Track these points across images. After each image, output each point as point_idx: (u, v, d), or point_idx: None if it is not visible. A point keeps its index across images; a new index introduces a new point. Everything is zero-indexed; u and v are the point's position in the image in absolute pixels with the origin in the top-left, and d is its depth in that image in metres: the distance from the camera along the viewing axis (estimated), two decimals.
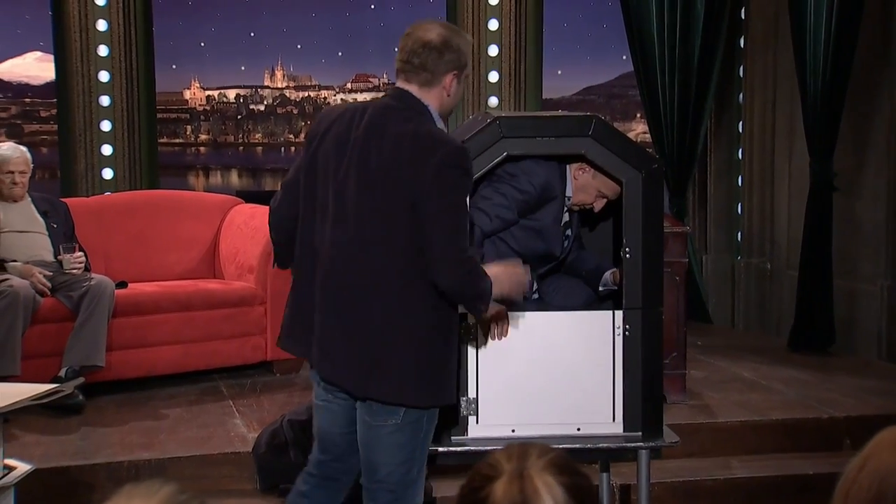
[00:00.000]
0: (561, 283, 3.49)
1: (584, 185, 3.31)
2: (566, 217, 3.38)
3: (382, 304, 2.64)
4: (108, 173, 6.44)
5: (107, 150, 6.44)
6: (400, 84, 2.75)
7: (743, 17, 6.78)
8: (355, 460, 2.82)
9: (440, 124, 2.74)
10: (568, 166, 3.33)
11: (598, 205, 3.34)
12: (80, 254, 4.90)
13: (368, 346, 2.66)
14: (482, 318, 3.05)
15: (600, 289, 3.44)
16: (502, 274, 2.72)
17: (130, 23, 6.39)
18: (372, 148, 2.66)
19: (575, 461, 1.47)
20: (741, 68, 6.85)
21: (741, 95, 6.88)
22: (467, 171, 2.65)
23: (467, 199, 2.68)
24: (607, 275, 3.41)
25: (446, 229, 2.58)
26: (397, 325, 2.64)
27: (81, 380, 4.55)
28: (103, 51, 6.37)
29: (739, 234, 6.93)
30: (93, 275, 4.88)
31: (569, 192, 3.32)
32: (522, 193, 3.23)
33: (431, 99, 2.73)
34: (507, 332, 3.13)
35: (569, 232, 3.41)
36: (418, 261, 2.60)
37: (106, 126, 6.43)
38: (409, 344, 2.64)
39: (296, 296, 2.79)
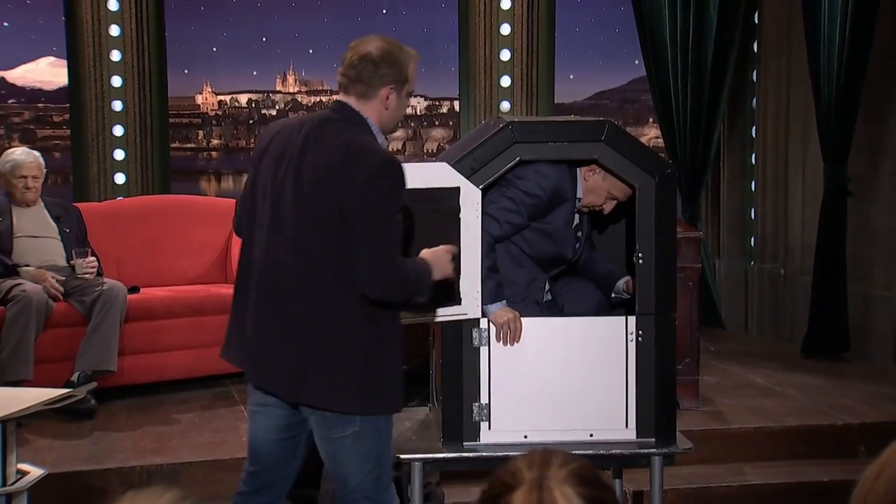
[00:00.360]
0: (573, 285, 3.49)
1: (594, 187, 3.30)
2: (577, 219, 3.38)
3: (314, 313, 2.68)
4: (120, 178, 6.47)
5: (119, 154, 6.47)
6: (340, 96, 2.83)
7: (756, 21, 6.77)
8: (290, 468, 2.86)
9: (380, 138, 2.80)
10: (578, 169, 3.33)
11: (608, 206, 3.34)
12: (93, 258, 4.92)
13: (298, 352, 2.70)
14: (494, 320, 3.09)
15: (612, 295, 3.44)
16: (432, 257, 2.76)
17: (143, 28, 6.43)
18: (307, 159, 2.72)
19: (599, 472, 1.44)
20: (754, 73, 6.84)
21: (754, 100, 6.86)
22: (396, 182, 2.67)
23: (396, 211, 2.68)
24: (620, 283, 3.40)
25: (372, 241, 2.63)
26: (329, 333, 2.68)
27: (94, 384, 4.57)
28: (116, 56, 6.41)
29: (753, 239, 6.91)
30: (105, 279, 4.90)
31: (579, 194, 3.32)
32: (532, 197, 3.23)
33: (370, 111, 2.79)
34: (518, 337, 3.12)
35: (580, 234, 3.41)
36: (350, 270, 2.65)
37: (118, 131, 6.46)
38: (341, 351, 2.68)
39: (234, 306, 2.86)
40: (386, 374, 2.73)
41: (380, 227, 2.64)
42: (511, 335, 3.12)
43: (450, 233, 2.98)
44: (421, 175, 2.91)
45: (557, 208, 3.28)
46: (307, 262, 2.69)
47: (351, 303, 2.66)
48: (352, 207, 2.63)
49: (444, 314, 3.03)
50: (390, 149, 7.26)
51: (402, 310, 2.78)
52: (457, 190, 2.99)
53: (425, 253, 2.77)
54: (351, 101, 2.79)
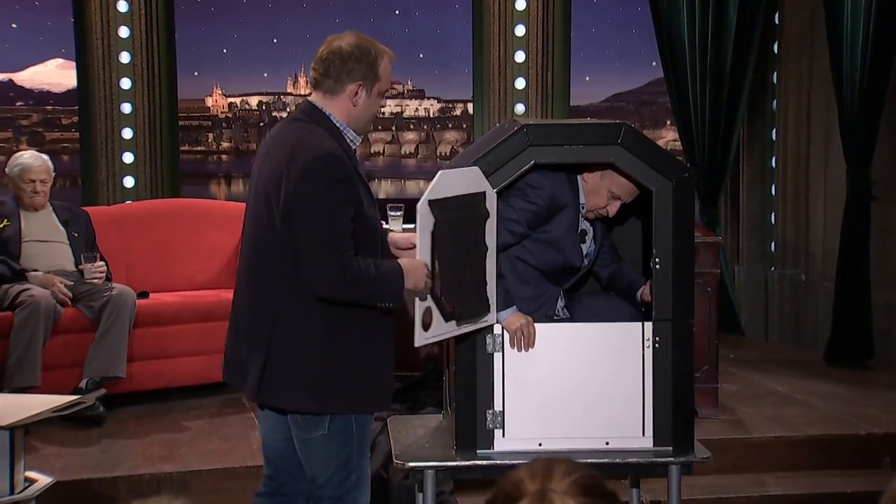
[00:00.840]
0: (595, 303, 3.45)
1: (593, 188, 3.29)
2: (584, 226, 3.36)
3: (274, 312, 2.75)
4: (129, 181, 6.51)
5: (128, 157, 6.50)
6: (311, 94, 2.87)
7: (777, 21, 6.76)
8: (301, 468, 2.91)
9: (349, 134, 2.81)
10: (578, 175, 3.31)
11: (613, 208, 3.29)
12: (101, 263, 4.95)
13: (259, 352, 2.77)
14: (507, 326, 3.10)
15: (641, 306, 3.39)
16: (408, 266, 2.77)
17: (152, 29, 6.47)
18: (266, 161, 2.81)
19: (603, 480, 1.44)
20: (775, 74, 6.82)
21: (775, 102, 6.85)
22: (333, 177, 2.67)
23: (338, 206, 2.68)
24: (640, 293, 3.36)
25: (311, 237, 2.66)
26: (287, 333, 2.74)
27: (102, 391, 4.60)
28: (125, 58, 6.45)
29: (773, 244, 6.89)
30: (114, 284, 4.93)
31: (582, 200, 3.31)
32: (530, 204, 3.24)
33: (335, 108, 2.81)
34: (532, 342, 3.13)
35: (590, 241, 3.39)
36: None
37: (127, 134, 6.50)
38: (297, 351, 2.74)
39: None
40: (349, 373, 2.76)
41: (320, 223, 2.66)
42: (525, 341, 3.13)
43: (479, 238, 3.00)
44: (459, 181, 2.93)
45: (557, 216, 3.28)
46: (266, 262, 2.76)
47: (309, 302, 2.71)
48: (289, 204, 2.68)
49: (473, 326, 3.03)
50: (402, 151, 7.31)
51: (377, 309, 2.77)
52: (483, 195, 3.01)
53: (403, 261, 2.78)
54: (318, 97, 2.83)
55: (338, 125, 2.81)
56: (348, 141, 2.83)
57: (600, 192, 3.28)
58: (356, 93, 2.80)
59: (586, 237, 3.38)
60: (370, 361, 2.81)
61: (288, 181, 2.68)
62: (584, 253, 3.38)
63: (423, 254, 2.80)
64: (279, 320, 2.75)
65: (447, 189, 2.87)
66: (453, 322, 2.93)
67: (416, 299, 2.80)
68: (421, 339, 2.84)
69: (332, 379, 2.76)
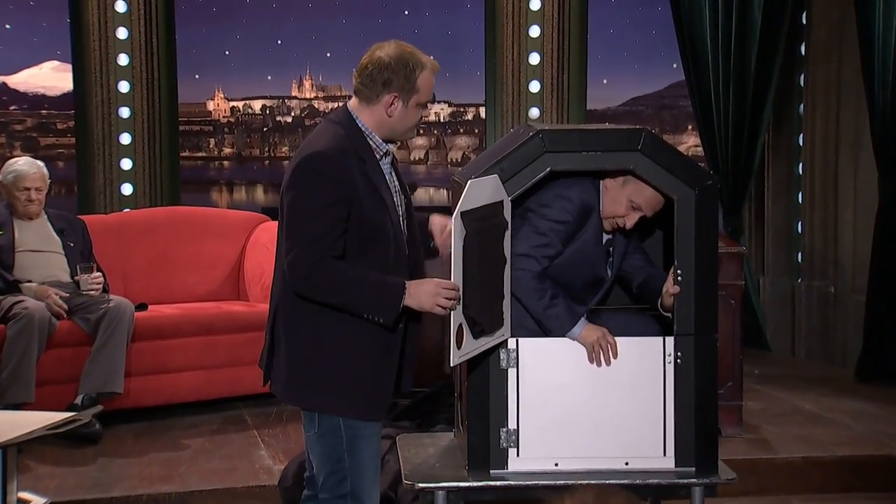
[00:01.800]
0: (618, 319, 3.38)
1: (614, 196, 3.24)
2: (607, 236, 3.34)
3: (276, 307, 2.93)
4: (127, 189, 6.53)
5: (126, 164, 6.53)
6: (351, 100, 2.97)
7: (804, 21, 6.76)
8: None
9: (375, 139, 2.88)
10: (600, 181, 3.29)
11: (630, 220, 3.25)
12: (98, 274, 4.97)
13: (269, 343, 2.95)
14: (584, 342, 3.12)
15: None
16: (416, 286, 2.81)
17: (152, 30, 6.50)
18: (292, 159, 2.95)
19: None
20: (802, 77, 6.82)
21: (801, 106, 6.85)
22: (324, 175, 2.77)
23: (325, 205, 2.77)
24: (664, 289, 3.29)
25: (290, 233, 2.79)
26: (288, 328, 2.88)
27: (99, 408, 4.59)
28: (123, 60, 6.48)
29: (800, 254, 6.88)
30: (111, 296, 4.94)
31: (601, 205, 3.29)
32: (561, 224, 3.21)
33: (366, 115, 2.91)
34: (616, 353, 3.12)
35: (611, 250, 3.37)
36: None
37: (126, 139, 6.52)
38: (294, 346, 2.87)
39: None
40: (334, 375, 2.85)
41: (301, 220, 2.77)
42: (605, 354, 3.12)
43: (499, 249, 3.00)
44: (484, 190, 2.94)
45: (586, 224, 3.26)
46: (279, 259, 2.89)
47: (300, 303, 2.83)
48: (282, 199, 2.83)
49: (491, 341, 3.03)
50: (411, 157, 7.32)
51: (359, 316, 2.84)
52: (502, 204, 3.02)
53: (413, 282, 2.82)
54: (354, 103, 2.93)
55: (362, 129, 2.90)
56: (373, 146, 2.89)
57: (620, 200, 3.23)
58: (391, 104, 2.88)
59: (611, 247, 3.36)
60: (359, 368, 2.87)
61: (286, 177, 2.85)
62: (610, 263, 3.34)
63: (455, 268, 2.81)
64: (279, 315, 2.91)
65: (476, 199, 2.89)
66: (478, 338, 2.94)
67: (452, 316, 2.82)
68: (455, 357, 2.86)
69: (317, 378, 2.87)
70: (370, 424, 2.93)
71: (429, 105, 3.00)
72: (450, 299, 2.80)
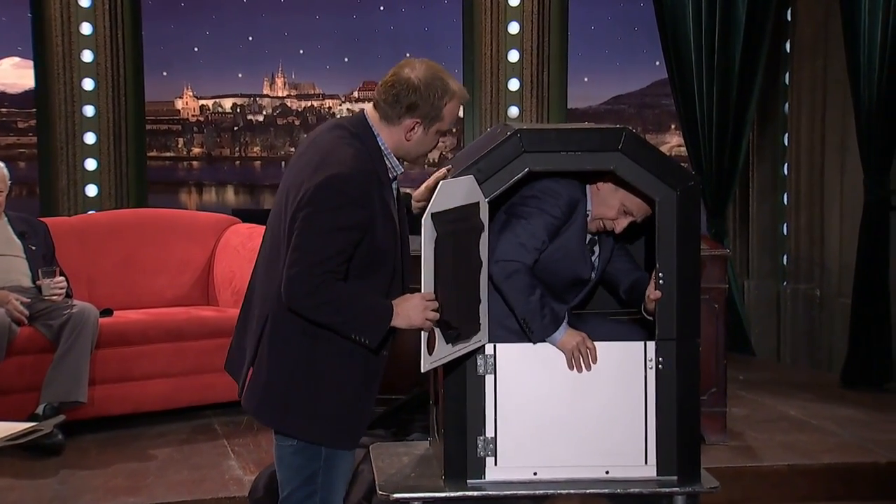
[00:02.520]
0: (604, 326, 3.41)
1: (605, 198, 3.26)
2: (591, 236, 3.35)
3: (265, 320, 2.84)
4: (92, 190, 6.50)
5: (91, 164, 6.50)
6: (368, 106, 2.91)
7: (789, 18, 6.81)
8: None
9: (391, 160, 2.86)
10: (588, 184, 3.30)
11: (620, 225, 3.28)
12: (61, 279, 4.94)
13: (249, 356, 2.89)
14: (563, 347, 3.11)
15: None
16: (402, 306, 2.79)
17: (117, 26, 6.47)
18: (296, 164, 2.87)
19: None
20: (787, 75, 6.87)
21: (787, 105, 6.89)
22: (348, 197, 2.72)
23: (340, 227, 2.72)
24: (647, 293, 3.31)
25: (299, 246, 2.71)
26: (269, 344, 2.82)
27: (61, 417, 4.57)
28: (88, 56, 6.45)
29: (785, 257, 6.93)
30: (75, 301, 4.91)
31: (589, 207, 3.30)
32: (551, 217, 3.22)
33: (386, 134, 2.87)
34: (595, 358, 3.13)
35: (596, 250, 3.39)
36: None
37: (90, 138, 6.49)
38: (273, 365, 2.82)
39: None
40: (317, 400, 2.82)
41: (315, 236, 2.70)
42: (585, 359, 3.13)
43: (474, 252, 3.00)
44: (458, 191, 2.94)
45: (570, 219, 3.27)
46: (273, 263, 2.83)
47: (291, 321, 2.77)
48: (297, 211, 2.73)
49: (467, 346, 3.03)
50: None
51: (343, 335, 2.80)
52: (478, 205, 3.02)
53: (397, 301, 2.81)
54: (373, 116, 2.88)
55: (382, 148, 2.86)
56: (389, 167, 2.88)
57: (612, 203, 3.26)
58: (412, 128, 2.85)
59: (595, 246, 3.37)
60: (344, 395, 2.84)
61: (305, 189, 2.74)
62: (594, 264, 3.36)
63: (426, 271, 2.81)
64: (266, 329, 2.84)
65: (448, 200, 2.88)
66: (452, 344, 2.94)
67: None
68: (427, 363, 2.85)
69: (298, 402, 2.82)
70: None
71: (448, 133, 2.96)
72: (435, 311, 2.80)
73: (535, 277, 3.19)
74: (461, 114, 7.01)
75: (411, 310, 2.78)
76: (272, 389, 2.82)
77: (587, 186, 3.31)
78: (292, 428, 2.83)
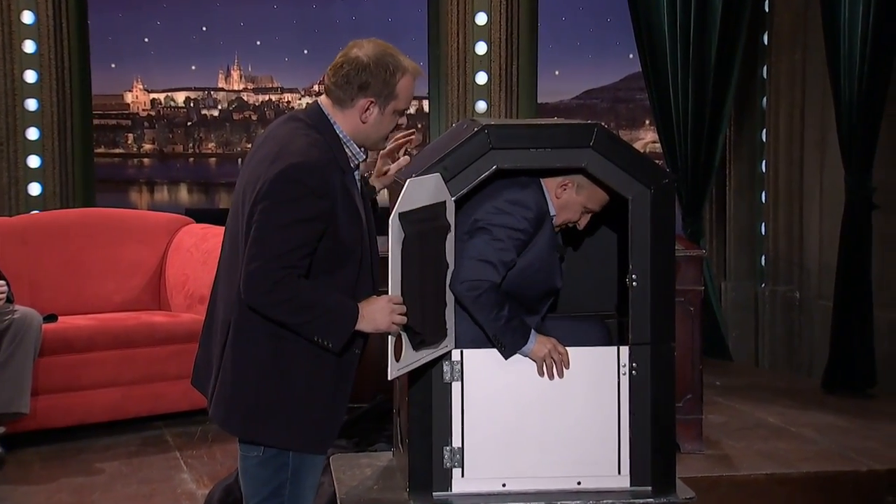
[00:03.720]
0: (563, 326, 3.44)
1: (567, 203, 3.31)
2: (559, 240, 3.38)
3: (229, 323, 2.83)
4: (35, 189, 6.45)
5: (34, 161, 6.44)
6: (321, 97, 2.91)
7: (766, 9, 6.86)
8: None
9: (352, 148, 2.86)
10: (543, 181, 3.33)
11: (584, 221, 3.36)
12: (2, 282, 4.89)
13: (215, 363, 2.87)
14: (534, 356, 3.14)
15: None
16: (368, 310, 2.79)
17: (61, 15, 6.41)
18: (252, 160, 2.87)
19: None
20: (764, 68, 6.92)
21: (765, 100, 6.95)
22: (307, 188, 2.72)
23: (300, 219, 2.72)
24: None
25: (257, 241, 2.71)
26: (234, 347, 2.81)
27: (2, 430, 4.54)
28: (30, 47, 6.39)
29: (763, 258, 6.98)
30: (16, 307, 4.86)
31: (552, 211, 3.33)
32: (518, 232, 3.23)
33: (342, 119, 2.87)
34: (567, 363, 3.15)
35: (562, 256, 3.42)
36: None
37: (33, 134, 6.43)
38: (239, 369, 2.81)
39: None
40: (287, 404, 2.80)
41: (273, 230, 2.70)
42: (557, 366, 3.14)
43: (441, 254, 3.00)
44: (425, 189, 2.94)
45: (539, 231, 3.29)
46: (234, 263, 2.82)
47: (256, 323, 2.76)
48: (255, 205, 2.73)
49: (434, 352, 3.03)
50: None
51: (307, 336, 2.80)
52: (444, 204, 3.02)
53: (363, 304, 2.81)
54: (327, 104, 2.88)
55: (341, 136, 2.87)
56: (349, 155, 2.87)
57: (574, 207, 3.32)
58: (367, 109, 2.86)
59: (563, 252, 3.41)
60: (314, 398, 2.83)
61: (262, 182, 2.74)
62: (562, 270, 3.39)
63: (394, 273, 2.81)
64: (230, 334, 2.83)
65: (416, 199, 2.88)
66: (416, 350, 2.93)
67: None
68: (394, 370, 2.85)
69: (267, 407, 2.81)
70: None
71: (406, 112, 2.96)
72: (402, 314, 2.80)
73: (503, 293, 3.20)
74: (426, 109, 7.05)
75: (377, 312, 2.78)
76: (239, 395, 2.81)
77: (544, 191, 3.31)
78: (262, 434, 2.81)
